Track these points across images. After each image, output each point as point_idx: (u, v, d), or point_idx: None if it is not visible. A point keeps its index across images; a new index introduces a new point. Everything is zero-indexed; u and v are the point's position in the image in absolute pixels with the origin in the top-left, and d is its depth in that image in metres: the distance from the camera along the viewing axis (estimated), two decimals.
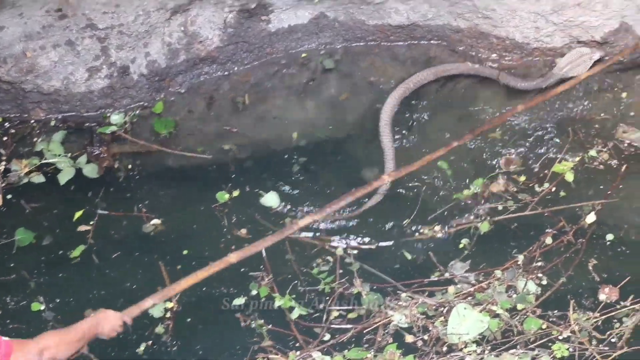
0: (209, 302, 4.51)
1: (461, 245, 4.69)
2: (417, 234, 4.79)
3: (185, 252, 4.77)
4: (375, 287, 4.51)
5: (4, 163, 5.21)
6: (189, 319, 4.46)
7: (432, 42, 5.87)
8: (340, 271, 4.58)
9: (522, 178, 4.99)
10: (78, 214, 4.93)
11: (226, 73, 5.76)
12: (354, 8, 5.72)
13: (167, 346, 4.35)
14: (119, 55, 5.45)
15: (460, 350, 4.13)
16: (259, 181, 5.12)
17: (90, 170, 5.20)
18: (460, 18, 5.67)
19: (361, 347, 4.25)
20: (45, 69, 5.38)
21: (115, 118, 5.44)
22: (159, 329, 4.39)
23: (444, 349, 4.18)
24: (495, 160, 5.13)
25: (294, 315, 4.41)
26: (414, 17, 5.74)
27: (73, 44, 5.37)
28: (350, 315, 4.41)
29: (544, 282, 4.45)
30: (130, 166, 5.34)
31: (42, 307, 4.52)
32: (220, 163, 5.32)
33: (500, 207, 4.83)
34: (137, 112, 5.55)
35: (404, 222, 4.83)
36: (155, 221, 4.93)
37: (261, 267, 4.57)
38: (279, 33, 5.79)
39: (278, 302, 4.46)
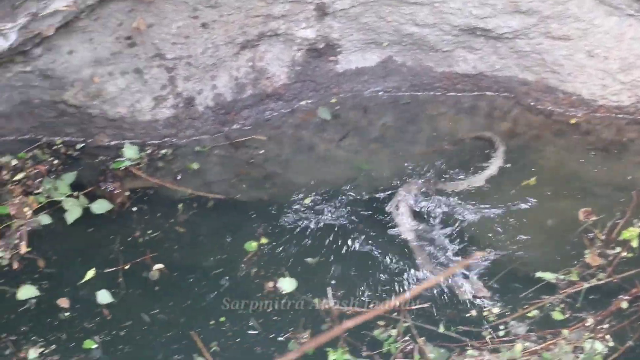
0: None
1: (530, 314, 4.60)
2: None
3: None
4: (440, 345, 4.43)
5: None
6: None
7: (498, 93, 5.81)
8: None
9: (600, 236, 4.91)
10: (89, 275, 4.81)
11: (289, 110, 5.72)
12: (422, 54, 5.72)
13: None
14: (185, 86, 5.46)
15: None
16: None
17: (99, 207, 5.09)
18: (528, 71, 5.66)
19: None
20: (112, 95, 5.40)
21: (130, 152, 5.39)
22: None
23: None
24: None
25: None
26: (481, 66, 5.74)
27: (141, 72, 5.39)
28: None
29: (610, 344, 4.35)
30: (142, 202, 5.30)
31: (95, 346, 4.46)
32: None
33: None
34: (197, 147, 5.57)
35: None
36: (159, 266, 4.85)
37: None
38: (347, 74, 5.81)
39: (331, 357, 4.39)
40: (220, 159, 5.63)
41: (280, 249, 4.99)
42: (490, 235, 5.03)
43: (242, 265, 4.88)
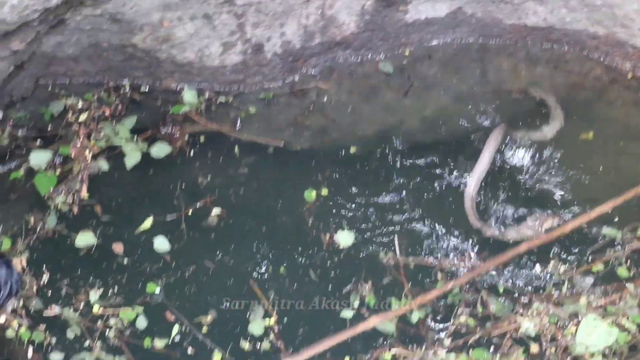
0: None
1: (594, 269, 4.63)
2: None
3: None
4: (504, 298, 4.53)
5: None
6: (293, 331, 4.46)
7: (567, 46, 5.77)
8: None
9: None
10: (147, 224, 4.84)
11: (357, 59, 5.70)
12: (492, 6, 5.66)
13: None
14: (254, 32, 5.42)
15: None
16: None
17: (159, 151, 5.12)
18: (598, 24, 5.59)
19: (486, 349, 4.25)
20: (181, 40, 5.36)
21: (189, 97, 5.36)
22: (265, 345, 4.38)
23: (568, 358, 4.18)
24: None
25: (414, 318, 4.43)
26: (551, 19, 5.68)
27: (210, 18, 5.35)
28: (471, 322, 4.43)
29: None
30: (201, 147, 5.34)
31: (157, 290, 4.54)
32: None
33: None
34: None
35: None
36: (217, 211, 4.91)
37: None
38: (416, 24, 5.75)
39: (395, 306, 4.48)
40: (282, 107, 5.63)
41: (340, 200, 5.03)
42: (552, 189, 5.10)
43: (301, 214, 4.94)
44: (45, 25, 4.93)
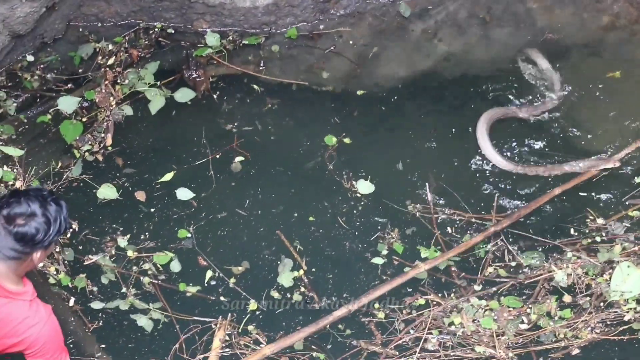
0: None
1: (631, 213, 4.58)
2: None
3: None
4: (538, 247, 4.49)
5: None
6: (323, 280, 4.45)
7: None
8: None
9: None
10: (168, 176, 4.78)
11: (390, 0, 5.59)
12: None
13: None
14: None
15: (619, 307, 4.15)
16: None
17: (183, 96, 5.07)
18: None
19: (517, 297, 4.26)
20: None
21: (212, 40, 5.31)
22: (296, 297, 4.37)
23: (602, 304, 4.20)
24: None
25: (442, 265, 4.41)
26: None
27: None
28: (502, 272, 4.42)
29: None
30: (226, 90, 5.29)
31: (189, 235, 4.55)
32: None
33: None
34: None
35: None
36: (240, 158, 4.88)
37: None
38: None
39: (424, 254, 4.47)
40: (307, 49, 5.56)
41: (362, 146, 5.00)
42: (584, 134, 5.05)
43: (323, 159, 4.89)
44: None
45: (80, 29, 5.44)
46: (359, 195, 4.71)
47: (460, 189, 4.76)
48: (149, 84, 5.03)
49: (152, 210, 4.63)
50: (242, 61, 5.41)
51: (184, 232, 4.50)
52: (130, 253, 4.39)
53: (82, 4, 5.38)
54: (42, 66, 5.24)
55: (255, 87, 5.27)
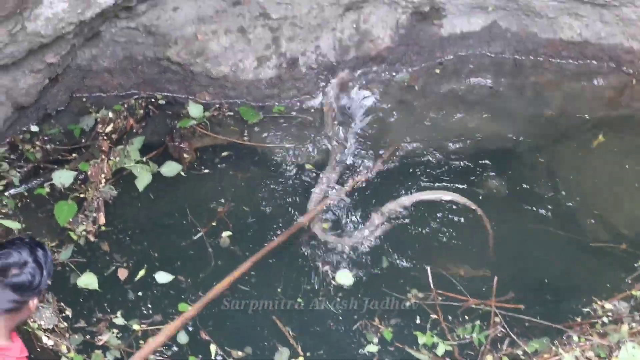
0: None
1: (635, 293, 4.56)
2: None
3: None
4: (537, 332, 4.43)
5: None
6: None
7: (602, 61, 5.80)
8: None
9: None
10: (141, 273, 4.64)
11: (393, 74, 5.71)
12: (527, 20, 5.69)
13: None
14: (289, 46, 5.44)
15: None
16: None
17: (169, 170, 5.06)
18: (634, 39, 5.60)
19: None
20: (215, 53, 5.38)
21: (195, 111, 5.35)
22: None
23: None
24: None
25: (440, 351, 4.31)
26: (586, 34, 5.71)
27: (245, 32, 5.39)
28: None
29: None
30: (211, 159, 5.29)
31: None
32: None
33: None
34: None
35: None
36: (228, 233, 4.82)
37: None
38: (451, 38, 5.77)
39: (421, 340, 4.38)
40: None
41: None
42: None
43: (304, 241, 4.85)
44: (80, 37, 4.97)
45: (84, 100, 5.49)
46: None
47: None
48: (135, 160, 5.02)
49: (142, 289, 4.56)
50: (226, 131, 5.42)
51: (184, 305, 4.43)
52: (136, 327, 4.32)
53: (85, 76, 5.44)
54: (45, 138, 5.22)
55: (242, 153, 5.30)
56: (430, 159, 5.29)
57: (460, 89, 5.76)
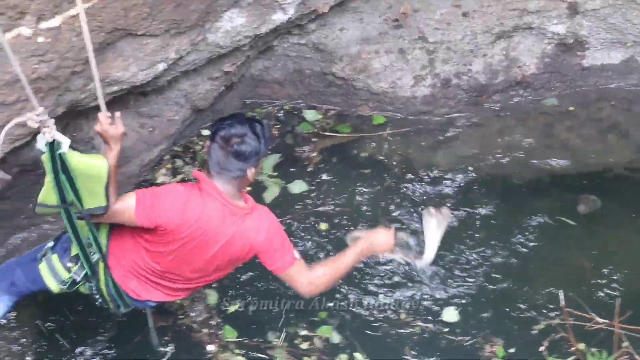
0: None
1: None
2: None
3: None
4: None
5: None
6: None
7: None
8: None
9: None
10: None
11: (538, 98, 6.17)
12: None
13: None
14: (443, 68, 5.94)
15: None
16: None
17: (297, 187, 5.48)
18: None
19: None
20: (377, 71, 5.89)
21: (311, 115, 5.86)
22: None
23: None
24: None
25: None
26: None
27: (404, 52, 5.88)
28: None
29: None
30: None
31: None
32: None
33: None
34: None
35: None
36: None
37: None
38: (591, 69, 6.21)
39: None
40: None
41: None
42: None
43: None
44: (254, 50, 5.45)
45: (253, 107, 6.00)
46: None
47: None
48: (267, 174, 5.48)
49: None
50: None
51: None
52: None
53: (257, 85, 5.95)
54: None
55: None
56: None
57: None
